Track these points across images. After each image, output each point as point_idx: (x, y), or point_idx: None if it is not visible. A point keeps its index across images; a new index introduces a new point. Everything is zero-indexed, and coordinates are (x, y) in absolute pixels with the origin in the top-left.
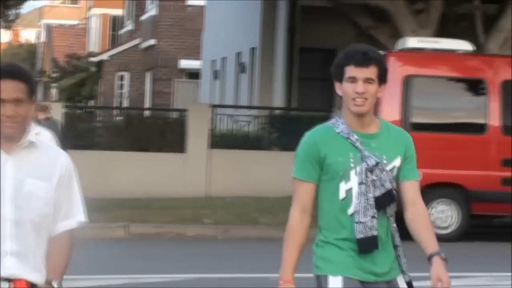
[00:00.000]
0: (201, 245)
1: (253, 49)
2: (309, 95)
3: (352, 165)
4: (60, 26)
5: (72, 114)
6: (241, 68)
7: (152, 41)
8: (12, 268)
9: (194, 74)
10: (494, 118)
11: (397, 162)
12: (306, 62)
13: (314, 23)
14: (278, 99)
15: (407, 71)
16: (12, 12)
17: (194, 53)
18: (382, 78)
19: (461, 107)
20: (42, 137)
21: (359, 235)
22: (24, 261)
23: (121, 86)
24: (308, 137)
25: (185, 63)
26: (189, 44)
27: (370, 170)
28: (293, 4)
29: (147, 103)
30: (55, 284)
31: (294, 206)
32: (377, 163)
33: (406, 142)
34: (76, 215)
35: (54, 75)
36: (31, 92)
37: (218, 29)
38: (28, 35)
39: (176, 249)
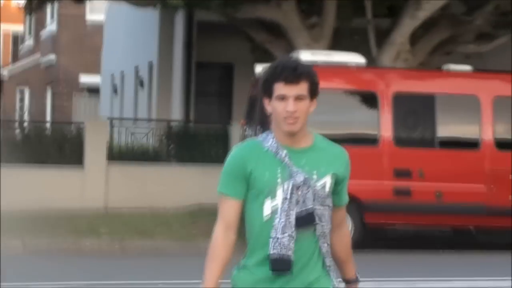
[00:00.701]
0: (98, 260)
1: (151, 63)
2: (207, 109)
3: (279, 181)
4: None
5: None
6: (140, 82)
7: (52, 57)
8: None
9: (94, 89)
10: (386, 130)
11: (328, 178)
12: (203, 76)
13: (211, 37)
14: (176, 113)
15: None
16: None
17: (95, 69)
18: (313, 92)
19: (354, 120)
20: None
21: (273, 251)
22: None
23: (22, 101)
24: (235, 152)
25: (86, 79)
26: (89, 59)
27: (297, 186)
28: (189, 19)
29: (48, 118)
30: None
31: (219, 222)
32: (305, 180)
33: (342, 160)
34: None
35: None
36: None
37: (117, 44)
38: None
39: (70, 261)
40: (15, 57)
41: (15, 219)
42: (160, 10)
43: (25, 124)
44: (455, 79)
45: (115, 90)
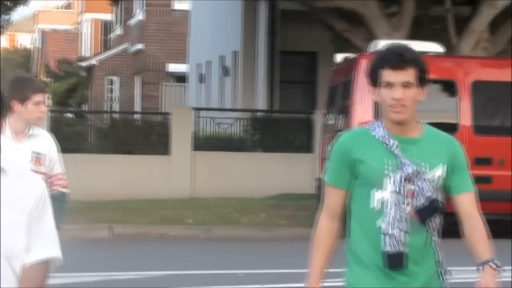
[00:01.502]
0: (183, 245)
1: (235, 52)
2: (290, 97)
3: (386, 172)
4: (54, 31)
5: (58, 118)
6: (225, 71)
7: (140, 46)
8: None
9: (181, 78)
10: (465, 118)
11: (439, 171)
12: (287, 65)
13: (294, 26)
14: (260, 102)
15: None
16: (4, 18)
17: (181, 57)
18: (422, 80)
19: (433, 108)
20: (40, 140)
21: (387, 249)
22: None
23: (111, 90)
24: (342, 140)
25: (173, 67)
26: (176, 48)
27: (407, 178)
28: (272, 8)
29: (137, 107)
30: None
31: (323, 211)
32: (415, 171)
33: (453, 149)
34: (49, 248)
35: (47, 80)
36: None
37: (203, 33)
38: (23, 40)
39: (158, 249)
40: (105, 46)
41: (103, 207)
42: None
43: (114, 114)
44: None
45: (201, 79)
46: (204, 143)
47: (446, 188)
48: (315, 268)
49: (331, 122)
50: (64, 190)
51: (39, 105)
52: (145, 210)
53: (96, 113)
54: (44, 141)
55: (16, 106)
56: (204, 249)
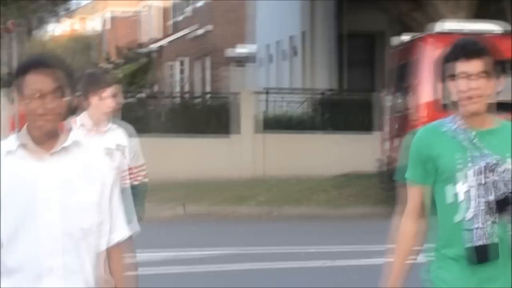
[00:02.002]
0: (254, 223)
1: (303, 33)
2: (357, 77)
3: (463, 165)
4: (122, 14)
5: (128, 101)
6: (294, 51)
7: (209, 27)
8: (56, 285)
9: (250, 59)
10: None
11: (509, 164)
12: (354, 46)
13: (361, 8)
14: (326, 82)
15: (443, 53)
16: (71, 3)
17: (250, 39)
18: (497, 70)
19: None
20: (120, 132)
21: (473, 243)
22: (73, 275)
23: (181, 72)
24: (419, 135)
25: (241, 48)
26: (245, 29)
27: (490, 169)
28: None
29: (206, 88)
30: None
31: (404, 211)
32: (494, 163)
33: None
34: (122, 229)
35: (117, 62)
36: (68, 83)
37: (272, 14)
38: (92, 24)
39: (229, 227)
40: (174, 29)
41: (177, 187)
42: None
43: (183, 95)
44: None
45: (270, 60)
46: (273, 123)
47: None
48: (396, 270)
49: (394, 102)
50: (146, 179)
51: (107, 100)
52: (216, 189)
53: (164, 96)
54: (124, 133)
55: (92, 99)
56: (274, 227)
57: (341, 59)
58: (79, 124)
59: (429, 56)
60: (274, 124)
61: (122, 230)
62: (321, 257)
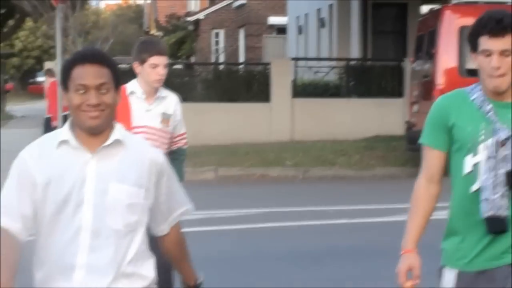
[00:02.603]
0: (283, 185)
1: (331, 5)
2: (383, 46)
3: (482, 137)
4: None
5: (168, 70)
6: (321, 23)
7: (243, 0)
8: (79, 282)
9: (281, 30)
10: None
11: None
12: (379, 16)
13: None
14: (354, 51)
15: (463, 23)
16: None
17: (281, 10)
18: None
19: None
20: (169, 102)
21: (488, 214)
22: (95, 274)
23: (217, 43)
24: (439, 102)
25: (274, 20)
26: (277, 1)
27: (503, 143)
28: None
29: (241, 58)
30: (200, 279)
31: (421, 173)
32: (508, 137)
33: None
34: (182, 206)
35: (158, 33)
36: (115, 79)
37: None
38: None
39: (259, 189)
40: (211, 1)
41: (209, 152)
42: None
43: (219, 65)
44: None
45: (300, 31)
46: (302, 90)
47: None
48: (411, 231)
49: (418, 69)
50: (185, 146)
51: (157, 68)
52: (247, 153)
53: (202, 64)
54: (172, 103)
55: (136, 67)
56: (302, 189)
57: (366, 29)
58: (129, 91)
59: (448, 25)
60: (303, 91)
61: (184, 205)
62: (348, 216)
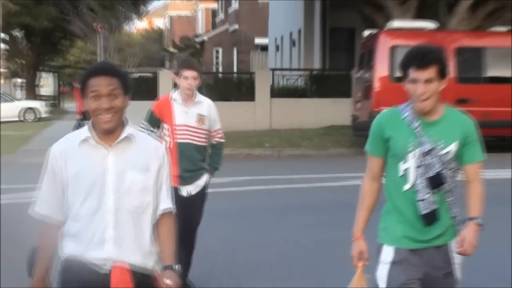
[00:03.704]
0: (262, 161)
1: (299, 30)
2: (337, 60)
3: (411, 148)
4: (178, 16)
5: None
6: (293, 43)
7: (236, 26)
8: (111, 252)
9: (264, 48)
10: (451, 72)
11: (453, 146)
12: (335, 38)
13: (339, 10)
14: (316, 63)
15: (393, 43)
16: (143, 8)
17: (264, 33)
18: (442, 74)
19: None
20: (203, 105)
21: (425, 211)
22: (122, 245)
23: (217, 57)
24: (378, 119)
25: (258, 40)
26: (261, 26)
27: (425, 154)
28: (324, 1)
29: (234, 68)
30: (176, 267)
31: (366, 174)
32: (431, 149)
33: (466, 128)
34: (164, 202)
35: (173, 50)
36: (125, 87)
37: (279, 16)
38: (157, 23)
39: (246, 164)
40: (213, 26)
41: None
42: None
43: (218, 73)
44: (497, 36)
45: (277, 49)
46: (278, 92)
47: (459, 158)
48: (359, 220)
49: (361, 77)
50: (221, 140)
51: (187, 79)
52: (237, 137)
53: (206, 73)
54: (206, 106)
55: (175, 78)
56: (277, 163)
57: (325, 48)
58: (172, 98)
59: (384, 47)
60: (278, 92)
61: (165, 202)
62: (310, 181)
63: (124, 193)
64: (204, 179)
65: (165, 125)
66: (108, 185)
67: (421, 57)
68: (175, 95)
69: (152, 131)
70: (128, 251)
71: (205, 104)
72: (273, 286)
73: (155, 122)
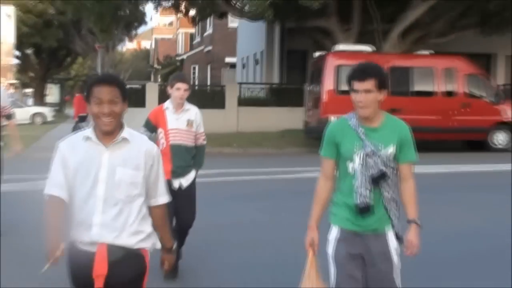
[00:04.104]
0: (231, 158)
1: (262, 51)
2: (292, 76)
3: (355, 150)
4: (162, 39)
5: (163, 90)
6: (256, 61)
7: (210, 47)
8: (96, 235)
9: (233, 65)
10: None
11: (391, 149)
12: (290, 58)
13: (296, 36)
14: (275, 78)
15: (338, 63)
16: (133, 32)
17: (233, 53)
18: (381, 86)
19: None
20: (191, 111)
21: (359, 201)
22: (108, 229)
23: (194, 73)
24: (329, 127)
25: (228, 59)
26: (230, 48)
27: (368, 155)
28: (282, 27)
29: (208, 82)
30: (173, 247)
31: (320, 175)
32: (372, 151)
33: (402, 132)
34: (161, 196)
35: (157, 66)
36: (123, 95)
37: (245, 39)
38: (145, 44)
39: (217, 160)
40: (191, 47)
41: None
42: (266, 22)
43: (195, 86)
44: (422, 58)
45: (243, 66)
46: (244, 102)
47: (396, 158)
48: (314, 214)
49: (312, 90)
50: (204, 142)
51: (178, 91)
52: (210, 138)
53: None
54: (194, 112)
55: (169, 90)
56: (243, 160)
57: (282, 66)
58: (165, 107)
59: (330, 65)
60: (244, 102)
61: (162, 197)
62: (270, 173)
63: (113, 185)
64: (192, 174)
65: (160, 130)
66: (101, 177)
67: (361, 71)
68: (167, 104)
69: (150, 135)
70: (113, 234)
71: (193, 111)
72: (241, 258)
73: (151, 128)
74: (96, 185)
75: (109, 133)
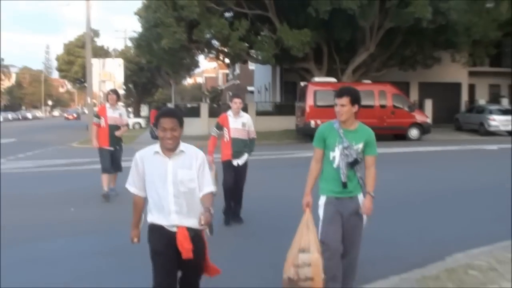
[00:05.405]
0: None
1: (269, 82)
2: (289, 97)
3: (337, 144)
4: (209, 76)
5: (211, 107)
6: (266, 88)
7: (238, 81)
8: (175, 220)
9: (251, 92)
10: None
11: (360, 145)
12: (287, 87)
13: (289, 73)
14: (278, 98)
15: (315, 89)
16: (192, 72)
17: (252, 84)
18: (353, 101)
19: (333, 103)
20: (245, 117)
21: (343, 180)
22: (181, 215)
23: (227, 99)
24: (321, 127)
25: (249, 88)
26: (250, 81)
27: (345, 148)
28: (281, 67)
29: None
30: (211, 210)
31: (313, 159)
32: (348, 145)
33: (368, 135)
34: (208, 186)
35: (207, 94)
36: (180, 123)
37: (259, 76)
38: (198, 79)
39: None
40: (226, 81)
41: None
42: (271, 65)
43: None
44: (366, 85)
45: (258, 92)
46: (259, 113)
47: (363, 152)
48: (309, 186)
49: (299, 105)
50: (254, 136)
51: (235, 104)
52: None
53: (224, 105)
54: (246, 117)
55: (230, 102)
56: (257, 147)
57: (282, 91)
58: (228, 114)
59: (310, 90)
60: (259, 114)
61: (208, 187)
62: (274, 155)
63: (178, 183)
64: (245, 157)
65: (225, 129)
66: (168, 179)
67: (340, 91)
68: (229, 112)
69: (218, 132)
70: (185, 218)
71: (246, 116)
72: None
73: (219, 127)
74: (165, 185)
75: (171, 150)
